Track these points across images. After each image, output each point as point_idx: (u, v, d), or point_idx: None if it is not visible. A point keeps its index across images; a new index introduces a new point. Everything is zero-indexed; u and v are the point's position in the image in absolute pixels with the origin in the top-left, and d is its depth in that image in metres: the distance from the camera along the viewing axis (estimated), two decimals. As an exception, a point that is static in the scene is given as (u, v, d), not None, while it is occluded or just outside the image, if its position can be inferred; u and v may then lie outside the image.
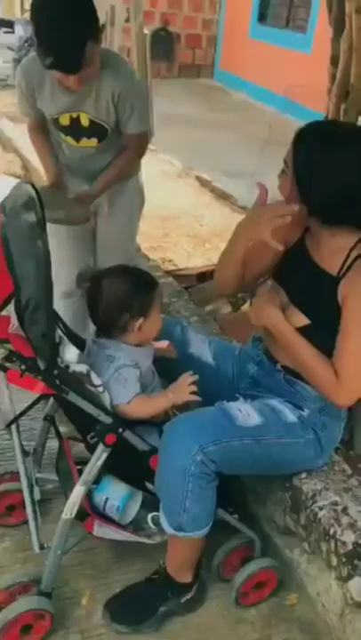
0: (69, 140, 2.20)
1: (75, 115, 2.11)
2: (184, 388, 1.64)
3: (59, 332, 1.58)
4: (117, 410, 1.57)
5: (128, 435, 1.56)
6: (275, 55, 8.39)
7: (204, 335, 1.97)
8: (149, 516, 1.66)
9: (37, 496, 1.78)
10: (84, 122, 2.12)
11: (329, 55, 2.81)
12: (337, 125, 1.70)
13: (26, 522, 1.79)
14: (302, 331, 1.60)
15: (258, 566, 1.77)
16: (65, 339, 1.62)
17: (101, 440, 1.53)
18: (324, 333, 1.58)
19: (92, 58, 1.92)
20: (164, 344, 1.78)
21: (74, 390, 1.45)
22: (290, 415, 1.66)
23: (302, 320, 1.62)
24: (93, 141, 2.18)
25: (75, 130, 2.15)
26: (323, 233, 1.61)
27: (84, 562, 1.85)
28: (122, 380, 1.57)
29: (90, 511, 1.66)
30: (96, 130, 2.14)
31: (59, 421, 1.89)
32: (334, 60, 2.73)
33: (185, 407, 1.66)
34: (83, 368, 1.53)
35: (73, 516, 1.57)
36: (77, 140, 2.18)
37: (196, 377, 1.65)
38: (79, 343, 1.69)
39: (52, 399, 1.81)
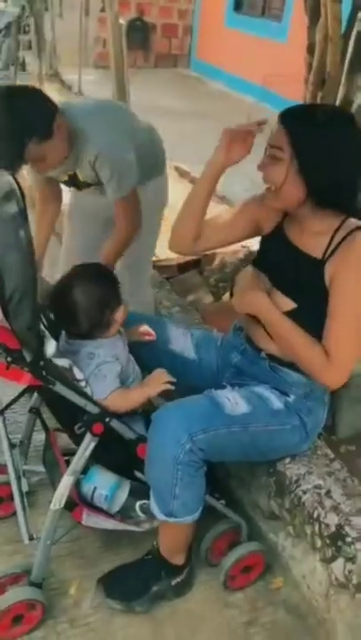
0: (73, 189, 2.32)
1: (71, 172, 2.19)
2: (157, 380, 1.65)
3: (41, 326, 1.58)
4: None
5: (115, 424, 1.57)
6: (251, 44, 8.37)
7: (185, 328, 1.98)
8: (137, 504, 1.68)
9: (25, 488, 1.79)
10: (81, 177, 2.20)
11: (304, 44, 2.83)
12: (336, 108, 1.66)
13: (13, 514, 1.81)
14: (288, 315, 1.61)
15: (247, 549, 1.80)
16: (47, 332, 1.63)
17: (89, 430, 1.54)
18: (310, 316, 1.58)
19: (43, 152, 1.93)
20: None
21: (60, 381, 1.46)
22: (276, 402, 1.68)
23: (288, 304, 1.62)
24: (93, 189, 2.26)
25: (75, 183, 2.25)
26: (308, 216, 1.60)
27: (73, 551, 1.87)
28: (101, 376, 1.58)
29: (78, 501, 1.67)
30: (92, 184, 2.23)
31: (44, 413, 1.90)
32: (311, 49, 2.74)
33: (166, 396, 1.68)
34: (65, 362, 1.54)
35: (62, 506, 1.58)
36: (79, 189, 2.29)
37: (168, 376, 1.66)
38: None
39: (35, 392, 1.82)
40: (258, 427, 1.62)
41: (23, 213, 1.33)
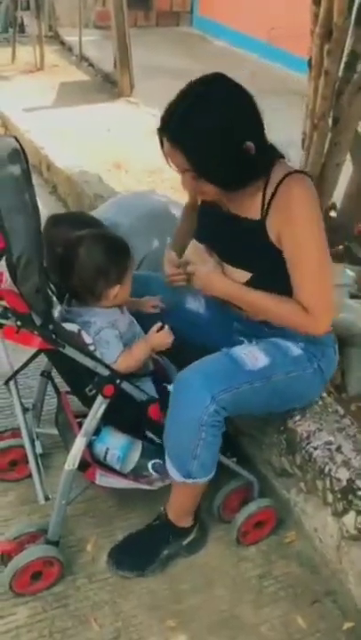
0: None
1: None
2: (155, 332, 1.66)
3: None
4: None
5: (125, 385, 1.58)
6: (254, -2, 8.13)
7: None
8: (150, 463, 1.70)
9: (39, 450, 1.82)
10: None
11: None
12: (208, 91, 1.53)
13: (28, 476, 1.84)
14: (248, 285, 1.60)
15: (258, 505, 1.83)
16: (54, 298, 1.62)
17: (100, 392, 1.55)
18: (269, 280, 1.58)
19: None
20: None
21: (70, 344, 1.47)
22: (295, 348, 1.67)
23: (243, 275, 1.61)
24: None
25: None
26: (235, 192, 1.58)
27: (87, 511, 1.91)
28: (103, 342, 1.59)
29: (91, 461, 1.69)
30: None
31: (55, 377, 1.91)
32: (316, -1, 2.64)
33: (167, 348, 1.69)
34: (74, 327, 1.55)
35: (75, 466, 1.61)
36: None
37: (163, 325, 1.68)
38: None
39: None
40: (279, 376, 1.62)
41: (27, 176, 1.32)
